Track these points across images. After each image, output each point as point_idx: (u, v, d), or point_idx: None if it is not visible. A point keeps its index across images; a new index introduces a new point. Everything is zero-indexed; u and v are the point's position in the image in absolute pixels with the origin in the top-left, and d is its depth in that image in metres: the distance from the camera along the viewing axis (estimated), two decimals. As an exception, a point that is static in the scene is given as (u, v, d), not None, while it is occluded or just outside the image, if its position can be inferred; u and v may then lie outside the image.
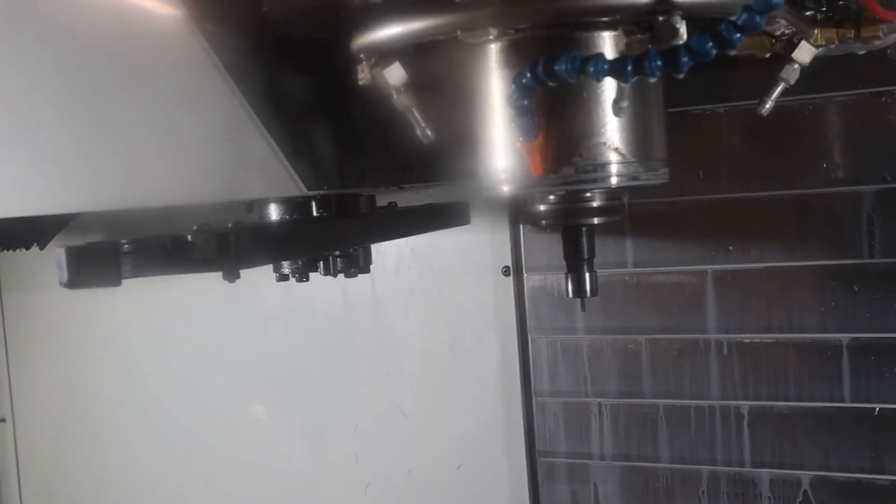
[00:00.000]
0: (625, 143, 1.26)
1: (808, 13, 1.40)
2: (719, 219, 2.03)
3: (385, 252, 2.31)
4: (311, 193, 1.47)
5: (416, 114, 1.34)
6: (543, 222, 1.43)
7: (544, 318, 2.23)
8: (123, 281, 1.16)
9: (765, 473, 2.06)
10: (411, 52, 1.30)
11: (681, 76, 1.10)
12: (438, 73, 1.39)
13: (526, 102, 1.17)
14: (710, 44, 1.06)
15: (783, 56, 1.42)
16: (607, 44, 1.22)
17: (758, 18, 1.02)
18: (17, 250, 2.27)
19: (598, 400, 2.19)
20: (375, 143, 1.65)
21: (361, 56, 1.32)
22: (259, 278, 1.54)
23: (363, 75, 1.33)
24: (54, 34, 1.44)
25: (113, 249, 1.16)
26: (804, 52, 1.36)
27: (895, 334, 1.93)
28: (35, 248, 2.31)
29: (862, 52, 1.67)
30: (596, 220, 1.41)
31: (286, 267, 1.67)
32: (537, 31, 1.23)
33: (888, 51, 1.79)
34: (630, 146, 1.26)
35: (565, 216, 1.42)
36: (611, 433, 2.19)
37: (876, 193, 1.91)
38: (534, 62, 1.13)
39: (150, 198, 1.45)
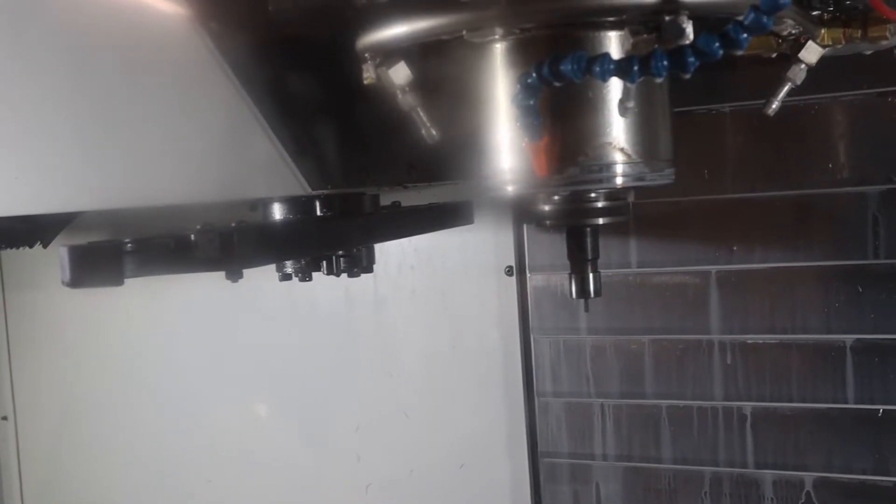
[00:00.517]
0: (630, 143, 1.25)
1: (814, 13, 1.39)
2: (723, 219, 2.03)
3: (388, 251, 2.31)
4: (314, 193, 1.46)
5: (421, 113, 1.34)
6: (548, 222, 1.43)
7: (547, 319, 2.22)
8: (126, 280, 1.16)
9: (768, 475, 2.05)
10: (416, 51, 1.30)
11: (687, 76, 1.10)
12: (443, 72, 1.39)
13: (531, 102, 1.17)
14: (717, 44, 1.06)
15: (789, 56, 1.42)
16: (613, 44, 1.22)
17: (765, 18, 1.02)
18: (20, 248, 2.27)
19: (601, 400, 2.18)
20: (379, 142, 1.64)
21: (366, 55, 1.32)
22: (261, 278, 1.54)
23: (368, 74, 1.33)
24: (58, 32, 1.43)
25: (115, 249, 1.15)
26: (811, 53, 1.35)
27: (899, 335, 1.93)
28: (38, 247, 2.30)
29: (869, 53, 1.66)
30: (601, 221, 1.40)
31: (289, 266, 1.67)
32: (543, 31, 1.22)
33: (895, 51, 1.78)
34: (636, 146, 1.26)
35: (570, 216, 1.41)
36: (613, 434, 2.18)
37: (881, 194, 1.90)
38: (539, 62, 1.12)
39: (153, 197, 1.44)
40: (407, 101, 1.33)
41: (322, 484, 2.52)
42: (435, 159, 1.68)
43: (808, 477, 2.02)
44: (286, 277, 1.70)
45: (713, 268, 2.05)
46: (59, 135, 1.48)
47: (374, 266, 1.88)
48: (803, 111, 1.93)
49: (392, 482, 2.43)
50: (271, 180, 1.42)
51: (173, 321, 2.63)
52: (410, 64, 1.31)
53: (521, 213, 2.19)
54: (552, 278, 2.20)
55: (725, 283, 2.04)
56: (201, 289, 2.55)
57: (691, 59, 1.07)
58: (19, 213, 1.54)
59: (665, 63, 1.08)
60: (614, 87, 1.23)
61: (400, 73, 1.30)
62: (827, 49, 1.40)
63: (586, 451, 2.21)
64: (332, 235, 1.55)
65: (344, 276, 1.75)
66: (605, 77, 1.11)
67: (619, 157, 1.25)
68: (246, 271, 1.27)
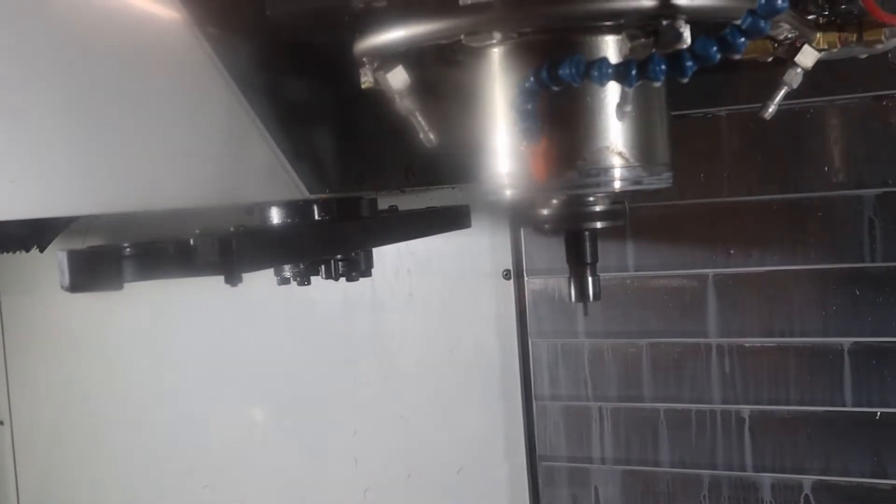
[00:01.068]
0: (628, 147, 1.26)
1: (810, 17, 1.40)
2: (720, 222, 2.03)
3: (385, 255, 2.31)
4: (312, 197, 1.46)
5: (419, 118, 1.34)
6: (546, 226, 1.43)
7: (545, 322, 2.22)
8: (125, 284, 1.16)
9: (766, 478, 2.05)
10: (414, 55, 1.30)
11: (685, 80, 1.10)
12: (441, 77, 1.39)
13: (530, 106, 1.17)
14: (715, 48, 1.06)
15: (785, 60, 1.42)
16: (611, 48, 1.22)
17: (762, 23, 1.02)
18: (17, 252, 2.27)
19: (599, 404, 2.18)
20: (377, 146, 1.65)
21: (364, 60, 1.32)
22: (259, 281, 1.54)
23: (366, 79, 1.33)
24: (57, 36, 1.43)
25: (115, 253, 1.15)
26: (807, 57, 1.36)
27: (896, 338, 1.93)
28: (34, 251, 2.30)
29: (864, 56, 1.67)
30: (599, 225, 1.41)
31: (287, 270, 1.67)
32: (541, 35, 1.22)
33: (889, 55, 1.79)
34: (634, 150, 1.26)
35: (568, 220, 1.41)
36: (611, 437, 2.18)
37: (877, 197, 1.91)
38: (538, 66, 1.13)
39: (152, 201, 1.44)
40: (405, 105, 1.33)
41: (320, 488, 2.51)
42: (432, 163, 1.69)
43: (807, 480, 2.02)
44: (284, 282, 1.70)
45: (710, 271, 2.05)
46: (56, 138, 1.47)
47: (373, 270, 1.88)
48: (799, 115, 1.94)
49: (390, 486, 2.43)
50: (269, 184, 1.43)
51: (171, 325, 2.63)
52: (408, 68, 1.31)
53: (519, 216, 2.19)
54: (550, 282, 2.20)
55: (722, 286, 2.05)
56: (199, 293, 2.55)
57: (689, 64, 1.08)
58: (16, 216, 1.53)
59: (663, 67, 1.08)
60: (612, 92, 1.23)
61: (398, 78, 1.30)
62: (823, 53, 1.40)
63: (584, 455, 2.21)
64: (330, 239, 1.55)
65: (342, 280, 1.75)
66: (603, 81, 1.12)
67: (617, 161, 1.25)
68: (244, 275, 1.27)
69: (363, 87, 1.35)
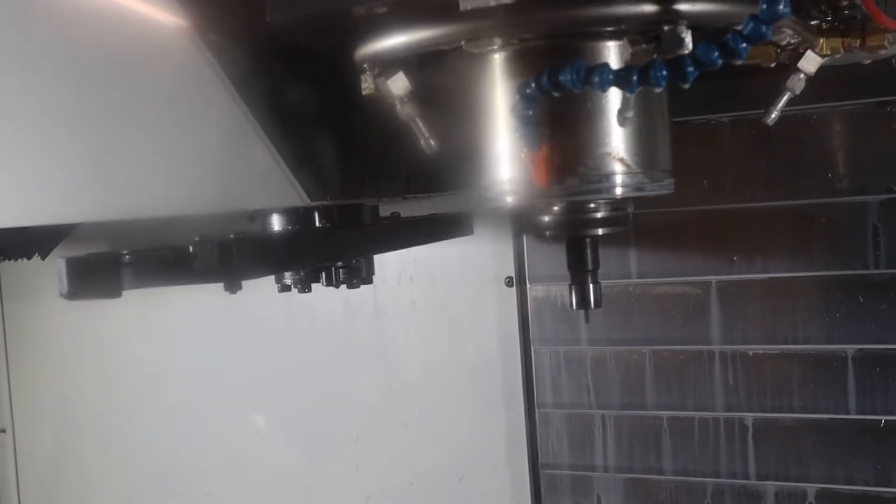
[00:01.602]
0: (630, 153, 1.25)
1: (813, 23, 1.39)
2: (723, 229, 2.03)
3: (387, 262, 2.30)
4: (313, 204, 1.46)
5: (420, 124, 1.34)
6: (547, 233, 1.42)
7: (547, 329, 2.22)
8: (124, 291, 1.15)
9: (770, 486, 2.04)
10: (415, 61, 1.30)
11: (686, 86, 1.09)
12: (442, 83, 1.38)
13: (530, 112, 1.16)
14: (716, 53, 1.05)
15: (788, 66, 1.42)
16: (612, 53, 1.22)
17: (764, 28, 1.01)
18: (18, 260, 2.26)
19: (602, 412, 2.18)
20: (379, 153, 1.64)
21: (365, 66, 1.32)
22: (260, 288, 1.53)
23: (367, 85, 1.33)
24: (57, 43, 1.43)
25: (114, 261, 1.15)
26: (810, 62, 1.35)
27: (901, 346, 1.92)
28: (36, 258, 2.30)
29: (867, 62, 1.66)
30: (600, 231, 1.40)
31: (288, 278, 1.67)
32: (542, 41, 1.22)
33: (893, 60, 1.78)
34: (635, 156, 1.25)
35: (570, 227, 1.41)
36: (614, 445, 2.17)
37: (881, 203, 1.90)
38: (538, 72, 1.12)
39: (152, 208, 1.44)
40: (406, 111, 1.33)
41: (322, 495, 2.51)
42: (434, 170, 1.68)
43: (811, 488, 2.01)
44: (285, 289, 1.69)
45: (713, 278, 2.05)
46: (57, 146, 1.47)
47: (374, 277, 1.87)
48: (802, 121, 1.93)
49: (392, 493, 2.43)
50: (270, 191, 1.42)
51: (172, 333, 2.62)
52: (409, 74, 1.30)
53: (521, 223, 2.19)
54: (552, 289, 2.19)
55: (726, 293, 2.04)
56: (200, 300, 2.54)
57: (690, 69, 1.07)
58: (17, 224, 1.53)
59: (664, 73, 1.08)
60: (613, 98, 1.22)
61: (399, 84, 1.30)
62: (825, 58, 1.40)
63: (587, 463, 2.20)
64: (331, 246, 1.55)
65: (343, 287, 1.75)
66: (604, 87, 1.11)
67: (618, 168, 1.25)
68: (245, 283, 1.26)
69: (364, 93, 1.34)
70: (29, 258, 2.27)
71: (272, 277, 1.68)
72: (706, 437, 2.09)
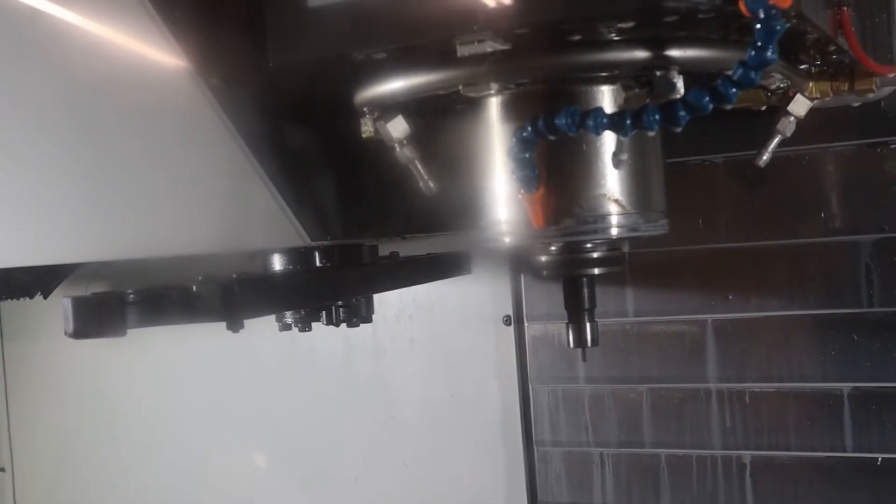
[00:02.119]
0: (624, 194, 1.28)
1: (802, 67, 1.42)
2: (719, 268, 2.04)
3: (386, 301, 2.32)
4: (313, 244, 1.48)
5: (419, 166, 1.36)
6: (545, 273, 1.44)
7: (545, 368, 2.23)
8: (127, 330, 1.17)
9: (768, 524, 2.05)
10: (414, 105, 1.32)
11: (679, 130, 1.12)
12: (440, 126, 1.41)
13: (527, 155, 1.19)
14: (707, 98, 1.08)
15: (779, 108, 1.44)
16: (606, 98, 1.25)
17: (753, 73, 1.04)
18: (21, 299, 2.28)
19: (600, 450, 2.18)
20: (378, 194, 1.67)
21: (365, 110, 1.35)
22: (260, 327, 1.55)
23: (367, 128, 1.36)
24: (61, 85, 1.46)
25: (118, 300, 1.17)
26: (799, 105, 1.38)
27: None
28: (38, 297, 2.31)
29: (857, 105, 1.69)
30: (597, 271, 1.42)
31: (289, 317, 1.68)
32: (537, 86, 1.25)
33: (882, 103, 1.81)
34: (630, 197, 1.28)
35: (566, 267, 1.43)
36: (612, 483, 2.18)
37: (874, 243, 1.92)
38: (534, 116, 1.15)
39: (155, 248, 1.46)
40: (405, 154, 1.35)
41: (321, 535, 2.50)
42: (432, 211, 1.70)
43: (808, 526, 2.02)
44: (286, 328, 1.71)
45: (709, 316, 2.06)
46: (61, 186, 1.49)
47: (374, 316, 1.89)
48: (794, 161, 1.96)
49: (391, 533, 2.42)
50: (272, 232, 1.44)
51: (172, 372, 2.63)
52: (408, 118, 1.33)
53: (519, 262, 2.21)
54: (550, 327, 2.21)
55: (722, 331, 2.05)
56: (200, 339, 2.55)
57: (682, 114, 1.10)
58: (22, 264, 1.55)
59: (657, 117, 1.11)
60: (608, 140, 1.25)
61: (398, 127, 1.33)
62: (815, 102, 1.43)
63: (586, 501, 2.20)
64: (332, 286, 1.57)
65: (343, 325, 1.76)
66: (598, 131, 1.14)
67: (613, 209, 1.27)
68: (245, 321, 1.28)
69: (364, 136, 1.37)
70: (31, 297, 2.28)
71: (273, 316, 1.69)
72: (704, 474, 2.09)
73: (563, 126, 1.14)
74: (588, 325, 1.48)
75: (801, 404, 2.01)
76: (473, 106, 1.33)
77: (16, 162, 1.49)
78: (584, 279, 1.46)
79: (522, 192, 1.24)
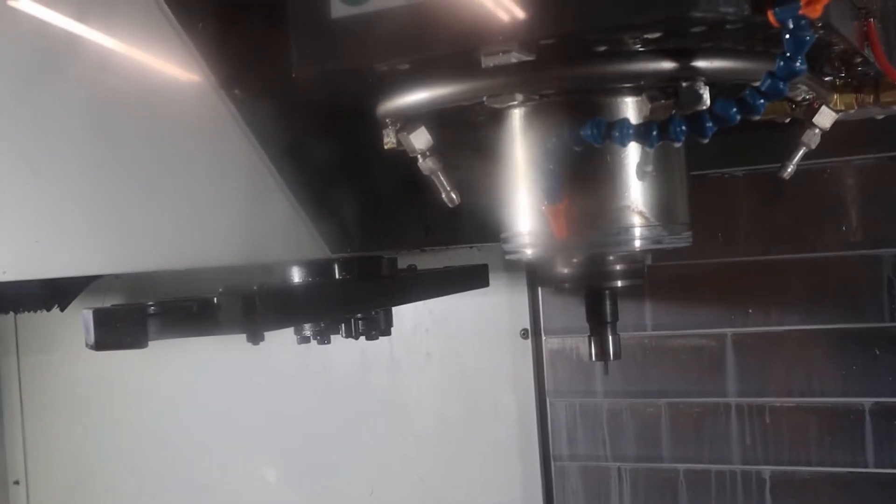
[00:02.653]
0: (649, 206, 1.27)
1: (827, 79, 1.41)
2: (739, 282, 2.03)
3: (403, 315, 2.31)
4: (333, 256, 1.47)
5: (442, 177, 1.36)
6: (566, 285, 1.44)
7: (562, 382, 2.22)
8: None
9: (788, 540, 2.03)
10: (437, 116, 1.32)
11: (705, 141, 1.11)
12: (463, 137, 1.41)
13: (551, 166, 1.19)
14: (735, 109, 1.08)
15: (801, 121, 1.44)
16: (631, 109, 1.24)
17: (781, 84, 1.04)
18: (38, 312, 2.28)
19: (618, 464, 2.17)
20: (398, 205, 1.66)
21: (388, 121, 1.34)
22: (276, 341, 1.54)
23: (389, 139, 1.35)
24: (82, 97, 1.46)
25: (139, 311, 1.16)
26: (825, 117, 1.37)
27: (918, 398, 1.92)
28: (53, 310, 2.32)
29: (880, 117, 1.68)
30: (619, 284, 1.41)
31: (308, 329, 1.67)
32: (562, 97, 1.24)
33: (906, 115, 1.80)
34: (654, 209, 1.27)
35: (589, 279, 1.42)
36: (630, 498, 2.16)
37: (896, 257, 1.91)
38: (560, 127, 1.14)
39: (175, 260, 1.46)
40: (427, 165, 1.35)
41: (336, 550, 2.49)
42: (452, 223, 1.70)
43: (830, 543, 2.00)
44: (304, 340, 1.70)
45: (729, 330, 2.05)
46: (80, 199, 1.50)
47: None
48: (816, 175, 1.95)
49: (407, 547, 2.41)
50: (292, 244, 1.44)
51: (187, 385, 2.63)
52: (431, 129, 1.33)
53: (537, 275, 2.20)
54: (567, 341, 2.20)
55: (741, 345, 2.04)
56: (214, 350, 2.55)
57: (709, 125, 1.09)
58: (41, 276, 1.55)
59: (683, 128, 1.10)
60: (633, 152, 1.24)
61: (421, 139, 1.32)
62: (840, 114, 1.42)
63: (603, 517, 2.19)
64: (353, 298, 1.56)
65: (361, 339, 1.75)
66: (624, 142, 1.13)
67: (637, 221, 1.26)
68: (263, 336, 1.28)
69: (386, 147, 1.37)
70: (49, 310, 2.29)
71: (290, 330, 1.69)
72: (723, 490, 2.07)
73: (588, 137, 1.14)
74: (610, 337, 1.47)
75: (821, 419, 1.99)
76: (497, 117, 1.32)
77: (36, 174, 1.49)
78: (607, 292, 1.45)
79: (546, 203, 1.23)
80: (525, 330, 2.24)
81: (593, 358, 1.49)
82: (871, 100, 1.44)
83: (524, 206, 1.31)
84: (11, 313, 2.28)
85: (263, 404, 2.53)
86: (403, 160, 1.38)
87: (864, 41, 1.26)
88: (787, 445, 2.02)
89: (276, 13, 1.27)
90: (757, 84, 1.06)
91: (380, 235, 1.62)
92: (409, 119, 1.32)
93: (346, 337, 1.70)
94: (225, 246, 1.45)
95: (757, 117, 1.08)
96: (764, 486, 2.04)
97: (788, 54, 1.00)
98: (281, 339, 1.65)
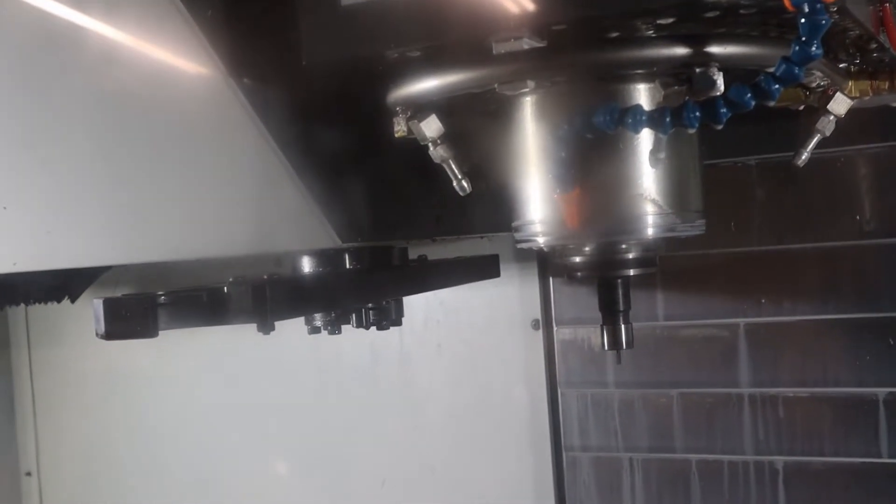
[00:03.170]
0: (661, 194, 1.26)
1: (841, 65, 1.40)
2: (751, 271, 2.02)
3: (414, 305, 2.30)
4: (343, 246, 1.47)
5: (453, 165, 1.35)
6: (579, 274, 1.42)
7: (574, 372, 2.21)
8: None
9: (801, 531, 2.02)
10: (447, 104, 1.31)
11: (719, 127, 1.10)
12: (474, 125, 1.40)
13: (563, 154, 1.18)
14: (749, 95, 1.07)
15: (815, 108, 1.42)
16: (644, 95, 1.23)
17: (797, 69, 1.02)
18: (49, 304, 2.28)
19: (630, 455, 2.16)
20: (408, 195, 1.66)
21: (398, 109, 1.33)
22: (286, 332, 1.54)
23: (399, 128, 1.35)
24: (91, 87, 1.46)
25: (150, 301, 1.16)
26: (840, 104, 1.35)
27: (932, 389, 1.90)
28: (64, 303, 2.32)
29: (895, 104, 1.67)
30: (632, 272, 1.40)
31: (318, 319, 1.67)
32: (574, 84, 1.23)
33: (921, 103, 1.78)
34: (667, 197, 1.26)
35: (601, 268, 1.41)
36: (642, 489, 2.15)
37: (910, 245, 1.90)
38: (572, 114, 1.14)
39: (186, 250, 1.45)
40: (438, 153, 1.34)
41: (347, 540, 2.49)
42: (463, 213, 1.69)
43: (843, 533, 1.99)
44: (315, 331, 1.69)
45: (742, 320, 2.04)
46: (90, 189, 1.49)
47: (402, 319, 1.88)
48: (829, 163, 1.93)
49: (418, 538, 2.41)
50: (303, 233, 1.44)
51: (198, 375, 2.63)
52: (441, 117, 1.32)
53: (548, 266, 2.19)
54: (579, 331, 2.19)
55: (754, 335, 2.03)
56: (225, 342, 2.55)
57: (723, 110, 1.08)
58: (52, 267, 1.55)
59: (697, 114, 1.09)
60: (645, 139, 1.23)
61: (432, 126, 1.31)
62: (854, 101, 1.40)
63: (615, 507, 2.18)
64: (364, 288, 1.56)
65: (372, 329, 1.75)
66: (637, 129, 1.12)
67: (650, 208, 1.25)
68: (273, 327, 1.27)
69: (396, 136, 1.36)
70: (59, 301, 2.29)
71: (300, 322, 1.68)
72: (736, 480, 2.06)
73: (601, 124, 1.13)
74: (623, 327, 1.46)
75: (835, 409, 1.98)
76: (508, 104, 1.31)
77: (45, 164, 1.49)
78: (620, 280, 1.44)
79: (558, 191, 1.22)
80: (536, 320, 2.23)
81: (606, 347, 1.48)
82: (887, 87, 1.43)
83: (536, 195, 1.30)
84: (22, 305, 2.27)
85: (275, 397, 2.53)
86: (414, 148, 1.37)
87: (879, 26, 1.24)
88: (800, 436, 2.01)
89: (286, 1, 1.26)
90: (771, 69, 1.04)
91: (390, 225, 1.62)
92: (419, 107, 1.31)
93: (357, 327, 1.70)
94: (235, 236, 1.45)
95: (772, 103, 1.07)
96: (777, 476, 2.03)
97: (804, 38, 0.99)
98: (292, 330, 1.65)
